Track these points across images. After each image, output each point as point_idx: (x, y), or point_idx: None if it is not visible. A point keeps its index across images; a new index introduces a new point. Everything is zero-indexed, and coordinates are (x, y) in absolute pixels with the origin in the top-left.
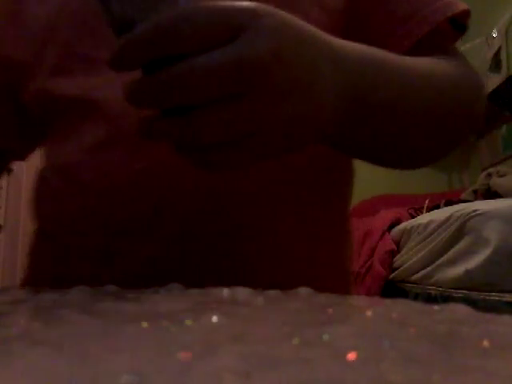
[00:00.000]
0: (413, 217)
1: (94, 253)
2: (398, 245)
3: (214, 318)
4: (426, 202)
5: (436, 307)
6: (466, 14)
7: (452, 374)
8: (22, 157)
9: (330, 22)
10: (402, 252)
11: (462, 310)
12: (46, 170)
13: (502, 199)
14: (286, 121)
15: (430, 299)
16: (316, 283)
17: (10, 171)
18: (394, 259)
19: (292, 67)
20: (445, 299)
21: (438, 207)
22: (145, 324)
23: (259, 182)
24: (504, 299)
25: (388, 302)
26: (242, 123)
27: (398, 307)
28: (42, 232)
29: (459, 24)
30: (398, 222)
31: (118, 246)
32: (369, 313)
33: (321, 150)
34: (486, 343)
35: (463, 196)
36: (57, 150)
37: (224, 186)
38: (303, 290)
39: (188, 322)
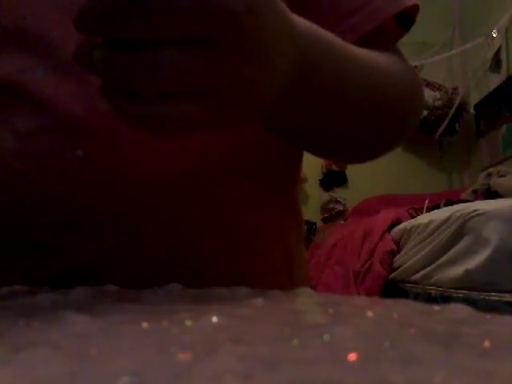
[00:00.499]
0: (413, 217)
1: (30, 248)
2: (398, 245)
3: (214, 319)
4: (426, 201)
5: (436, 307)
6: (414, 8)
7: (453, 375)
8: None
9: None
10: (402, 252)
11: (462, 310)
12: None
13: (502, 199)
14: (249, 82)
15: (430, 299)
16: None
17: None
18: (394, 259)
19: (263, 28)
20: (445, 299)
21: (438, 207)
22: (145, 324)
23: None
24: (504, 299)
25: (388, 302)
26: (206, 73)
27: (399, 307)
28: None
29: (408, 18)
30: (398, 221)
31: (56, 241)
32: (369, 313)
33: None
34: (487, 344)
35: (463, 196)
36: None
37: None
38: (303, 290)
39: (188, 323)
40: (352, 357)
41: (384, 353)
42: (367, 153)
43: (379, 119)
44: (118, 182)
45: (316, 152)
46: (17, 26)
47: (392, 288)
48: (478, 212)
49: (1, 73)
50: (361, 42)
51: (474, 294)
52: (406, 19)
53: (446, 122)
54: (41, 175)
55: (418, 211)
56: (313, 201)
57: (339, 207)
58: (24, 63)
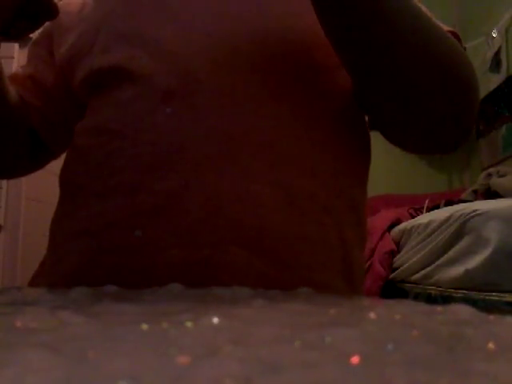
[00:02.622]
0: (413, 217)
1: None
2: (398, 245)
3: (214, 320)
4: (426, 201)
5: (439, 308)
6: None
7: (458, 379)
8: (55, 154)
9: None
10: (402, 252)
11: (464, 310)
12: (79, 131)
13: (502, 199)
14: None
15: (430, 299)
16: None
17: None
18: (394, 259)
19: None
20: (445, 299)
21: (438, 207)
22: (144, 326)
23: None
24: (504, 299)
25: (390, 302)
26: None
27: (401, 308)
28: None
29: None
30: (398, 221)
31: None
32: (371, 314)
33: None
34: (491, 346)
35: (463, 196)
36: (92, 115)
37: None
38: (304, 291)
39: (188, 324)
40: (355, 360)
41: (387, 355)
42: (440, 124)
43: (443, 76)
44: (194, 132)
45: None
46: (128, 28)
47: (392, 288)
48: (477, 212)
49: (114, 60)
50: None
51: (474, 294)
52: None
53: None
54: (134, 129)
55: (418, 211)
56: None
57: None
58: (132, 52)
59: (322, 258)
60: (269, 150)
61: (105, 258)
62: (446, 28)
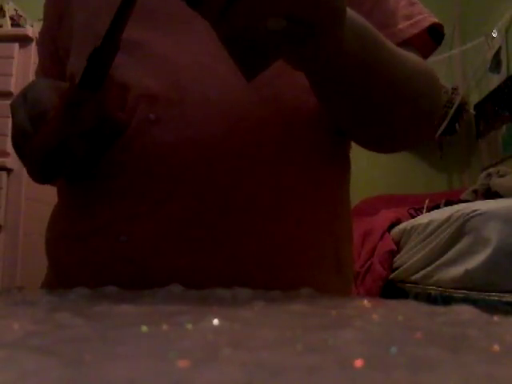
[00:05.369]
0: (413, 217)
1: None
2: (398, 245)
3: (215, 322)
4: (426, 201)
5: (441, 309)
6: (437, 26)
7: (463, 381)
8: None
9: None
10: (402, 252)
11: (467, 311)
12: None
13: (502, 199)
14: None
15: (430, 299)
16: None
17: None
18: (394, 259)
19: None
20: (445, 299)
21: (437, 207)
22: (143, 328)
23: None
24: (504, 299)
25: (392, 303)
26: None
27: (403, 309)
28: None
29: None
30: (398, 221)
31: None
32: (374, 316)
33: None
34: (496, 348)
35: (463, 196)
36: None
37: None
38: (305, 291)
39: (188, 326)
40: (359, 363)
41: (391, 358)
42: (399, 132)
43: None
44: (179, 139)
45: (355, 117)
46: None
47: (392, 288)
48: (478, 212)
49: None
50: None
51: (474, 294)
52: (435, 33)
53: (446, 122)
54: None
55: (418, 211)
56: None
57: None
58: (121, 61)
59: (316, 256)
60: (255, 152)
61: (91, 260)
62: (431, 20)
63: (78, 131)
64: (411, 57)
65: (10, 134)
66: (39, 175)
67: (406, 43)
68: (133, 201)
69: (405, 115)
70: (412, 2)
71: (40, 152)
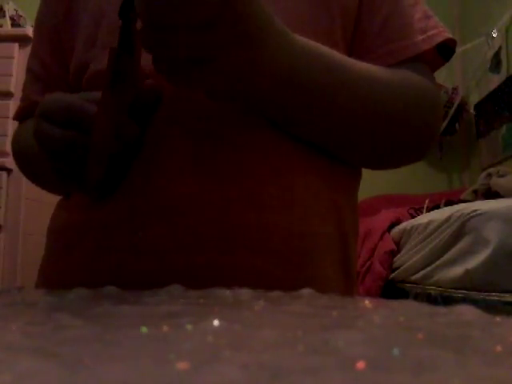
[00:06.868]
0: (413, 217)
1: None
2: (398, 245)
3: (215, 323)
4: (426, 201)
5: (443, 309)
6: (452, 40)
7: (466, 382)
8: None
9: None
10: (402, 252)
11: (469, 312)
12: None
13: (502, 199)
14: (244, 51)
15: (430, 299)
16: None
17: (9, 171)
18: (394, 259)
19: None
20: (445, 299)
21: (438, 207)
22: (143, 329)
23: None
24: (504, 299)
25: (393, 303)
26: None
27: (404, 310)
28: None
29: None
30: (398, 221)
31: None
32: (375, 317)
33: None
34: (499, 349)
35: (463, 196)
36: None
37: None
38: (306, 292)
39: (188, 327)
40: (361, 365)
41: (393, 360)
42: (377, 156)
43: (378, 124)
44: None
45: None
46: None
47: (392, 288)
48: (478, 212)
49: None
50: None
51: (474, 294)
52: (445, 49)
53: (446, 121)
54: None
55: (418, 211)
56: None
57: None
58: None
59: (324, 253)
60: (269, 150)
61: (105, 257)
62: (445, 35)
63: (127, 106)
64: (398, 78)
65: (10, 134)
66: (96, 184)
67: (417, 58)
68: (148, 197)
69: (382, 139)
70: (428, 14)
71: (103, 151)
